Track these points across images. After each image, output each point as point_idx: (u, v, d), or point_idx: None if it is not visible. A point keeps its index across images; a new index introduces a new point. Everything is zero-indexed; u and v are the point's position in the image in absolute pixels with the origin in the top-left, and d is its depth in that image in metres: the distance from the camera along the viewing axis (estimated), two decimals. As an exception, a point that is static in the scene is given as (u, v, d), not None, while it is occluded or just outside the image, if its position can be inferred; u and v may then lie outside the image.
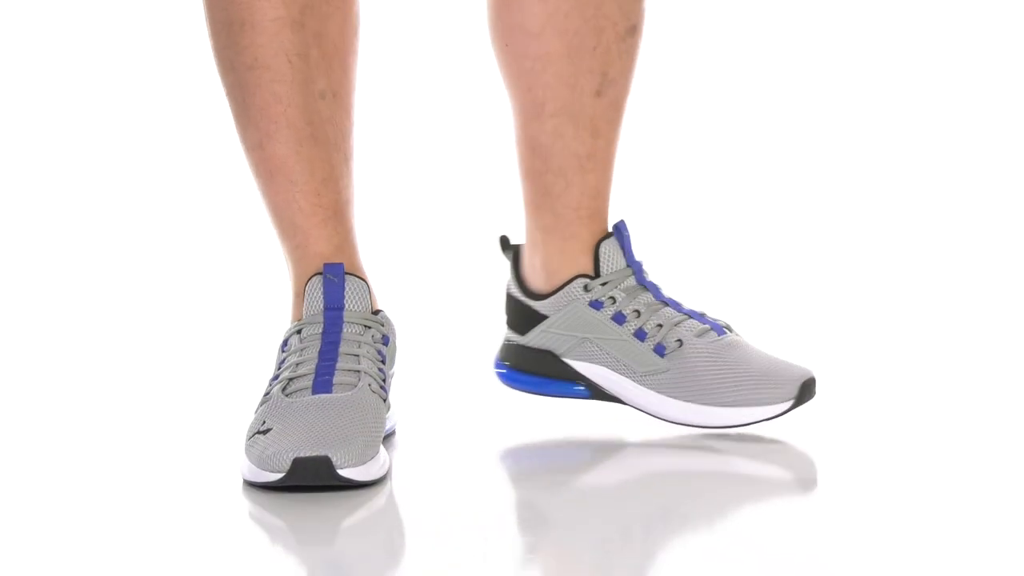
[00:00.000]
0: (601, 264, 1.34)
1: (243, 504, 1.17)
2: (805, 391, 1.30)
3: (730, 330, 1.34)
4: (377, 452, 1.19)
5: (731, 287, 2.15)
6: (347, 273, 1.29)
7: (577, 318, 1.35)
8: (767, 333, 1.90)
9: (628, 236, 1.35)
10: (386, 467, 1.21)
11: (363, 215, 1.37)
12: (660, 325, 1.32)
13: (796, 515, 1.11)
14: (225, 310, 2.13)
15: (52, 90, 2.62)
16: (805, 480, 1.22)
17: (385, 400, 1.26)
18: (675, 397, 1.29)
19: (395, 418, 1.35)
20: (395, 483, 1.21)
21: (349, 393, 1.22)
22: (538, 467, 1.27)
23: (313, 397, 1.21)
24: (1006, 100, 2.55)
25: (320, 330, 1.27)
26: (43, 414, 1.53)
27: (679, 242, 2.32)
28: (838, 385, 1.58)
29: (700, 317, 1.34)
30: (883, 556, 1.00)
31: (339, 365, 1.24)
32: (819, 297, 2.14)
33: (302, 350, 1.26)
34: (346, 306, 1.28)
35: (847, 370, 1.66)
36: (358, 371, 1.24)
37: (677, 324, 1.32)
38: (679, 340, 1.31)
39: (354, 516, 1.14)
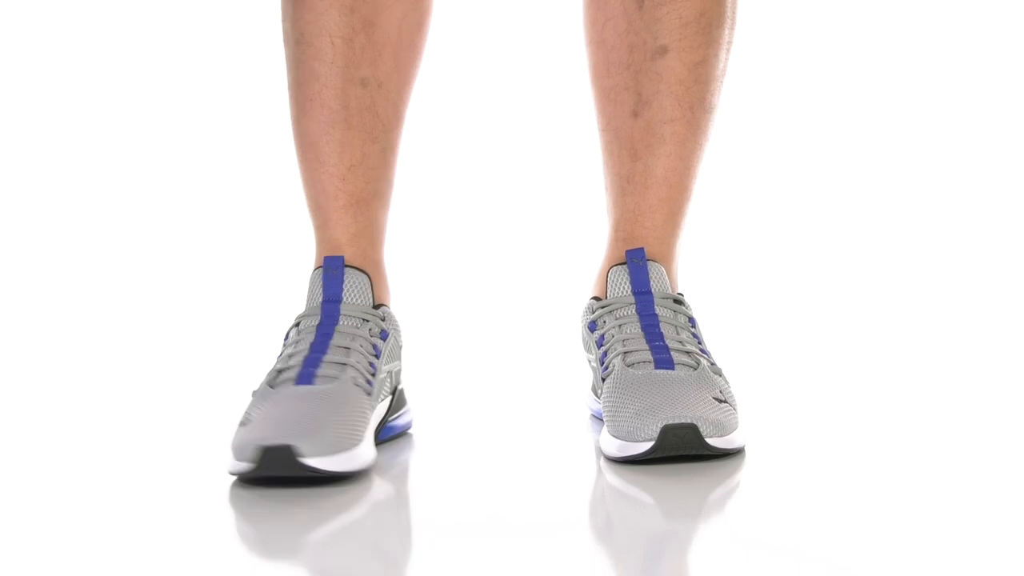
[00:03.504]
0: (608, 288, 1.33)
1: (227, 509, 1.17)
2: (667, 435, 1.17)
3: (719, 375, 1.27)
4: (355, 445, 1.17)
5: (729, 287, 2.16)
6: (348, 266, 1.30)
7: (582, 337, 1.36)
8: (765, 333, 1.90)
9: (642, 266, 1.32)
10: (364, 462, 1.18)
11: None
12: (615, 352, 1.29)
13: (799, 513, 1.11)
14: (224, 309, 2.13)
15: (54, 89, 2.62)
16: (813, 481, 1.22)
17: (370, 394, 1.25)
18: (604, 422, 1.26)
19: (410, 414, 1.35)
20: (406, 481, 1.21)
21: (329, 385, 1.21)
22: (540, 467, 1.27)
23: (294, 388, 1.21)
24: (1006, 100, 2.55)
25: (316, 322, 1.27)
26: (41, 413, 1.53)
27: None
28: (836, 386, 1.59)
29: (666, 351, 1.27)
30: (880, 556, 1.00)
31: (326, 358, 1.24)
32: (818, 298, 2.14)
33: (297, 342, 1.27)
34: (344, 299, 1.29)
35: (845, 371, 1.66)
36: (344, 364, 1.24)
37: (625, 352, 1.28)
38: (613, 367, 1.27)
39: (352, 515, 1.14)
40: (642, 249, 1.32)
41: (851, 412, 1.45)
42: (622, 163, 1.34)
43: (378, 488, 1.21)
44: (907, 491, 1.16)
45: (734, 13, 1.34)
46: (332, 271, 1.29)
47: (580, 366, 1.43)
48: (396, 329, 1.33)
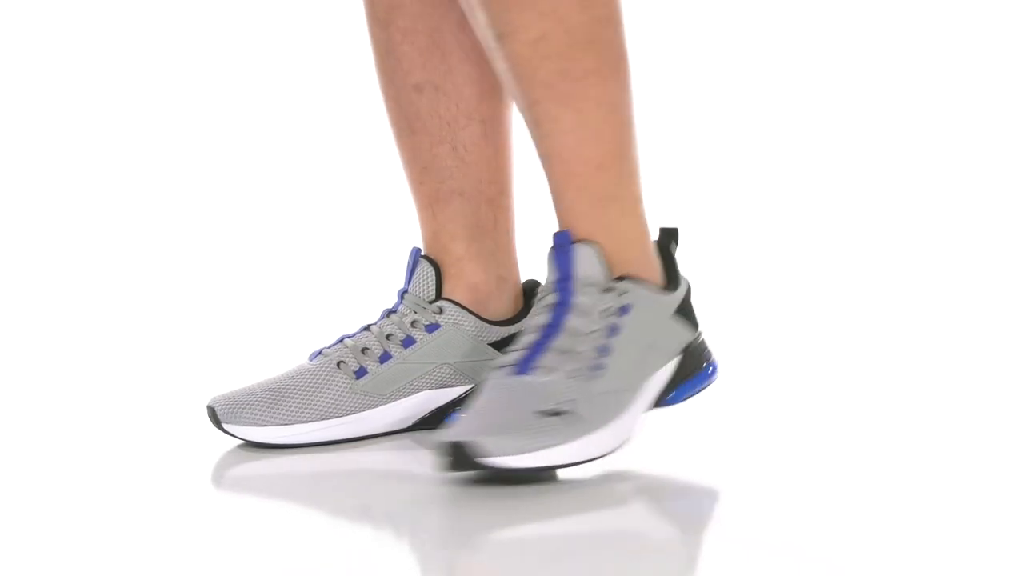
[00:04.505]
0: (546, 275, 1.29)
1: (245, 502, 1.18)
2: (442, 452, 1.15)
3: (588, 379, 1.20)
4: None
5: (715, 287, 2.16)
6: (424, 257, 1.38)
7: None
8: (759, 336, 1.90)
9: (564, 250, 1.24)
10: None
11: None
12: None
13: (798, 513, 1.12)
14: (223, 310, 2.14)
15: (56, 90, 2.63)
16: (802, 477, 1.22)
17: (355, 375, 1.34)
18: None
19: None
20: (401, 481, 1.21)
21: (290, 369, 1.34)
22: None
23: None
24: (1006, 100, 2.55)
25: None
26: (39, 413, 1.53)
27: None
28: (832, 386, 1.59)
29: (538, 351, 1.21)
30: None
31: (346, 341, 1.36)
32: (815, 298, 2.14)
33: None
34: (409, 290, 1.38)
35: (841, 371, 1.67)
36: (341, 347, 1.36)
37: (511, 349, 1.25)
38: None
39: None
40: (566, 232, 1.25)
41: (849, 412, 1.45)
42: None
43: (369, 487, 1.22)
44: (905, 491, 1.16)
45: None
46: (410, 262, 1.39)
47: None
48: (455, 324, 1.36)
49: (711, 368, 1.30)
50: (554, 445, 1.15)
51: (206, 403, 1.33)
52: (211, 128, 2.61)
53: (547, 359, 1.20)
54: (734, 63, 2.60)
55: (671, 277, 1.28)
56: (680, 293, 1.28)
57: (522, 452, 1.14)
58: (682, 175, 2.50)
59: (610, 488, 1.19)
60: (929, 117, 2.56)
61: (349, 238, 2.44)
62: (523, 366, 1.20)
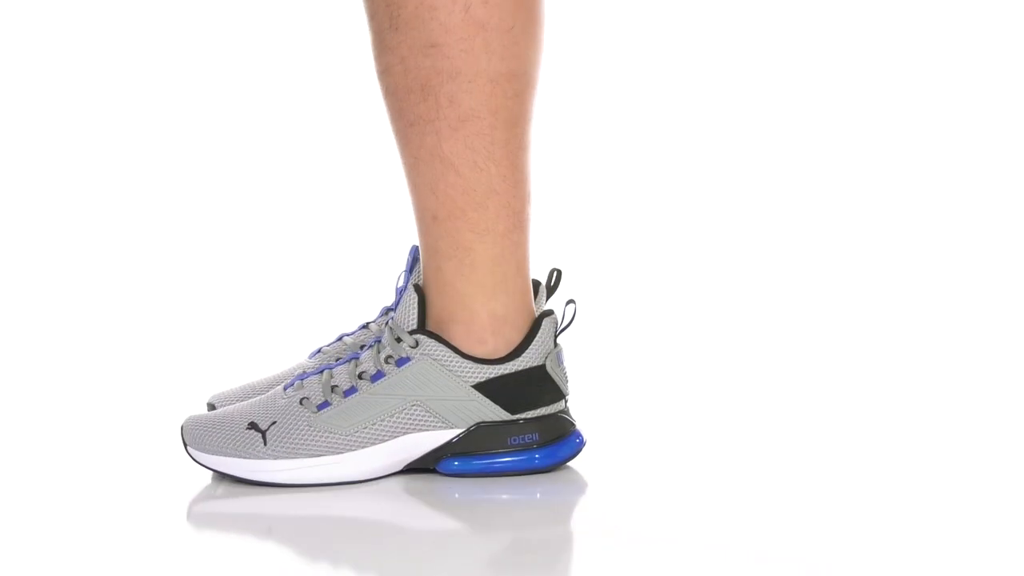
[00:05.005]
0: None
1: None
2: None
3: (302, 405, 1.24)
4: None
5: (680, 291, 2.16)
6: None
7: None
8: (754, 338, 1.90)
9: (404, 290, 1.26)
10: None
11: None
12: None
13: (792, 514, 1.12)
14: (223, 313, 2.14)
15: (57, 90, 2.63)
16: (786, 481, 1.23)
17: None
18: None
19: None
20: (392, 486, 1.22)
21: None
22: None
23: None
24: (1000, 103, 2.55)
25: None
26: (30, 413, 1.54)
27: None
28: (820, 389, 1.60)
29: (300, 377, 1.27)
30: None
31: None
32: (807, 298, 2.14)
33: None
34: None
35: (825, 373, 1.67)
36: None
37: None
38: None
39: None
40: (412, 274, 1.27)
41: (838, 413, 1.46)
42: None
43: (357, 495, 1.20)
44: (895, 492, 1.17)
45: (395, 16, 1.20)
46: (409, 261, 1.28)
47: (575, 372, 1.43)
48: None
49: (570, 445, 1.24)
50: (226, 455, 1.22)
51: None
52: (211, 127, 2.61)
53: (309, 381, 1.24)
54: (716, 69, 2.60)
55: (514, 353, 1.22)
56: (503, 369, 1.22)
57: (201, 449, 1.23)
58: (680, 177, 2.51)
59: (602, 491, 1.20)
60: (899, 131, 2.56)
61: (349, 237, 2.45)
62: (291, 381, 1.25)
